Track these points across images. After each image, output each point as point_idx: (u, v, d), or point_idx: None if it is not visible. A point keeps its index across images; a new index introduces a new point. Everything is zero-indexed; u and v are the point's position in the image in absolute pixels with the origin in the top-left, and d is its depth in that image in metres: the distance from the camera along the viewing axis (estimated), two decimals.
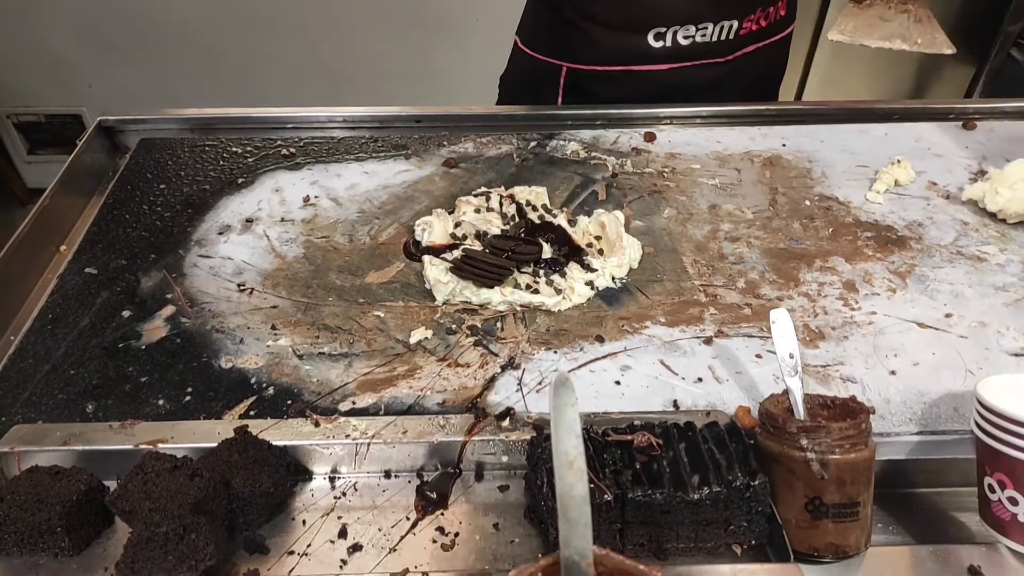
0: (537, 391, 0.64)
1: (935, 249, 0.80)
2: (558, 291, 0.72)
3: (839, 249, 0.80)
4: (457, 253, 0.76)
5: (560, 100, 1.07)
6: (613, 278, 0.76)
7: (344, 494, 0.58)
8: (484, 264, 0.72)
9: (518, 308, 0.72)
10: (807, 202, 0.88)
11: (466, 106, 1.02)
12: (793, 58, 1.11)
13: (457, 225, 0.80)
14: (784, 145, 0.98)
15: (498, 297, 0.72)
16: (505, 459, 0.59)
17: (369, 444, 0.58)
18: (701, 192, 0.89)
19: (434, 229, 0.79)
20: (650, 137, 0.99)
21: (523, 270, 0.75)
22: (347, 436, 0.59)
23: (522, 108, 1.03)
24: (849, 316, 0.72)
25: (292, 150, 0.96)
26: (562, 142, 0.97)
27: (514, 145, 0.96)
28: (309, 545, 0.54)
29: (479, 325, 0.71)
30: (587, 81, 1.03)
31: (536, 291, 0.72)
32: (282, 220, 0.84)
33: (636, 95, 1.02)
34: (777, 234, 0.83)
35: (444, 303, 0.73)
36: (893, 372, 0.66)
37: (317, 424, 0.60)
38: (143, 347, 0.68)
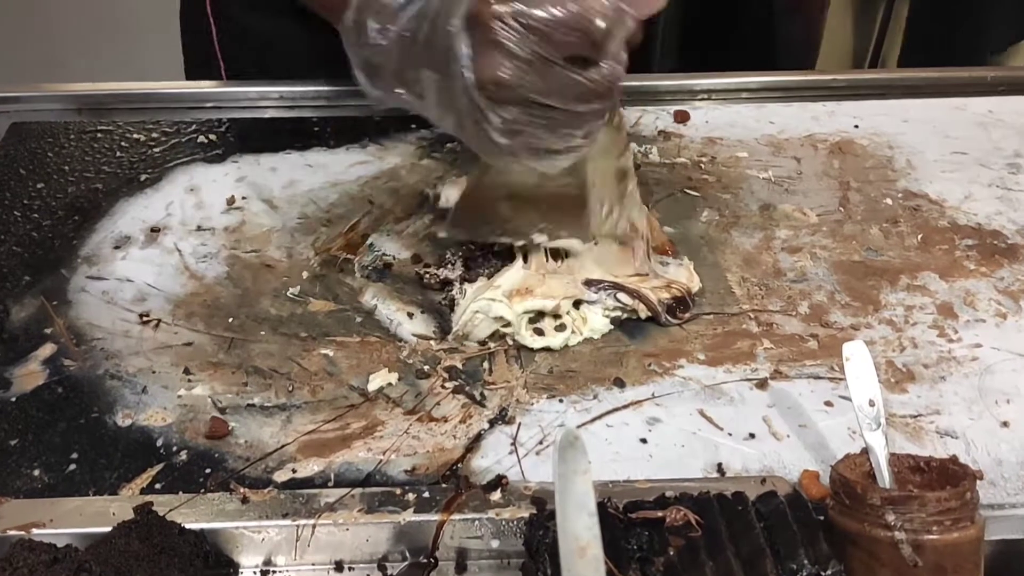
0: (537, 453, 0.64)
1: None
2: (560, 328, 0.72)
3: (931, 262, 0.81)
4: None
5: (217, 45, 1.00)
6: None
7: None
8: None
9: (510, 343, 0.72)
10: (888, 201, 0.88)
11: None
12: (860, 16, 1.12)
13: None
14: (857, 127, 0.99)
15: (483, 330, 0.72)
16: (496, 544, 0.59)
17: (315, 526, 0.58)
18: (750, 188, 0.90)
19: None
20: (682, 116, 1.00)
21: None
22: (285, 516, 0.58)
23: None
24: (946, 350, 0.72)
25: (212, 137, 0.96)
26: None
27: None
28: None
29: (459, 366, 0.71)
30: (240, 13, 0.97)
31: (539, 331, 0.72)
32: (199, 229, 0.84)
33: (311, 28, 0.86)
34: (850, 243, 0.83)
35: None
36: (1005, 424, 0.66)
37: (245, 500, 0.59)
38: (13, 399, 0.68)
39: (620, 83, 0.58)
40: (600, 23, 0.55)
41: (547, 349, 0.72)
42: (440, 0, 0.59)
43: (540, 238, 0.73)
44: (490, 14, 0.55)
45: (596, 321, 0.73)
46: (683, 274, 0.77)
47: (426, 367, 0.70)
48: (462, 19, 0.57)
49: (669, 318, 0.74)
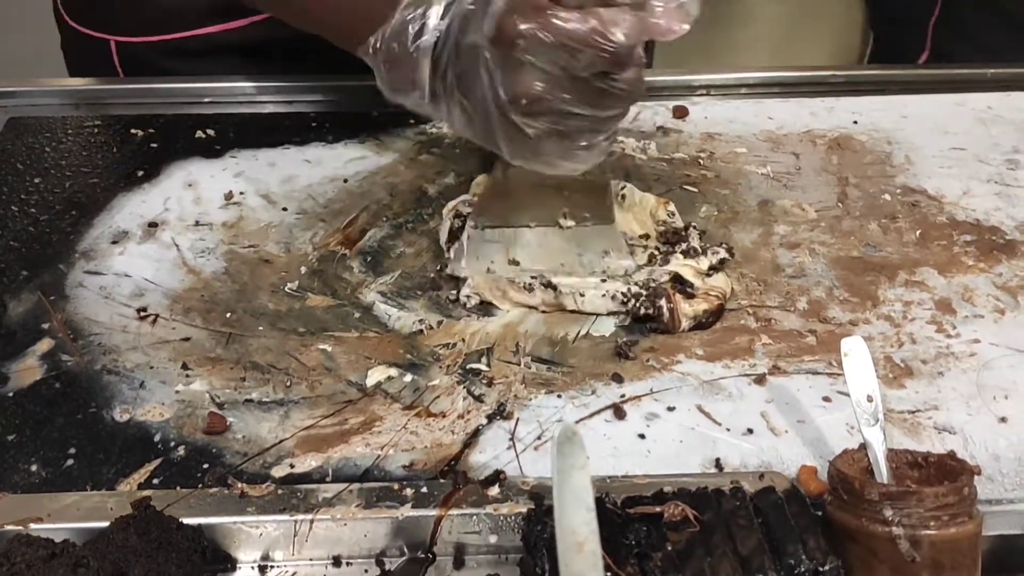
0: (535, 448, 0.64)
1: None
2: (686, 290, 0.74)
3: (930, 258, 0.81)
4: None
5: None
6: None
7: None
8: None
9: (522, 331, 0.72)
10: (887, 196, 0.88)
11: None
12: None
13: None
14: (856, 122, 0.99)
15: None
16: (494, 540, 0.59)
17: (312, 521, 0.58)
18: (748, 184, 0.90)
19: None
20: (681, 112, 0.99)
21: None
22: (283, 511, 0.58)
23: None
24: (944, 346, 0.72)
25: (210, 132, 0.96)
26: None
27: None
28: None
29: (458, 360, 0.71)
30: (150, 57, 1.02)
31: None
32: (196, 224, 0.84)
33: (226, 71, 1.01)
34: (848, 238, 0.83)
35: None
36: (1003, 419, 0.66)
37: (243, 495, 0.59)
38: (10, 394, 0.68)
39: (643, 83, 0.61)
40: (621, 38, 0.57)
41: (548, 343, 0.72)
42: (462, 17, 0.62)
43: (567, 222, 0.75)
44: (515, 32, 0.57)
45: (603, 326, 0.73)
46: (721, 280, 0.76)
47: (425, 361, 0.70)
48: (487, 36, 0.59)
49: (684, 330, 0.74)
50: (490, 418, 0.66)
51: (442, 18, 0.64)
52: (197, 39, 1.01)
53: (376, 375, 0.69)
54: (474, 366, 0.70)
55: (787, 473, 0.61)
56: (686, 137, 0.96)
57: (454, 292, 0.76)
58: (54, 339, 0.72)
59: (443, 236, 0.80)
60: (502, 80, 0.60)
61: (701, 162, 0.93)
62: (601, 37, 0.56)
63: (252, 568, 0.58)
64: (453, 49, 0.63)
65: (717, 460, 0.63)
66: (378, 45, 0.66)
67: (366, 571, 0.58)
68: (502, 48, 0.59)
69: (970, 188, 0.89)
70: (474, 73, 0.62)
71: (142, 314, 0.75)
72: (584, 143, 0.63)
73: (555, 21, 0.57)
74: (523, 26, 0.57)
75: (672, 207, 0.82)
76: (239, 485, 0.60)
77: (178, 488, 0.60)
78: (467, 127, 0.67)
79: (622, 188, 0.83)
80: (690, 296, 0.74)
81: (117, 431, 0.65)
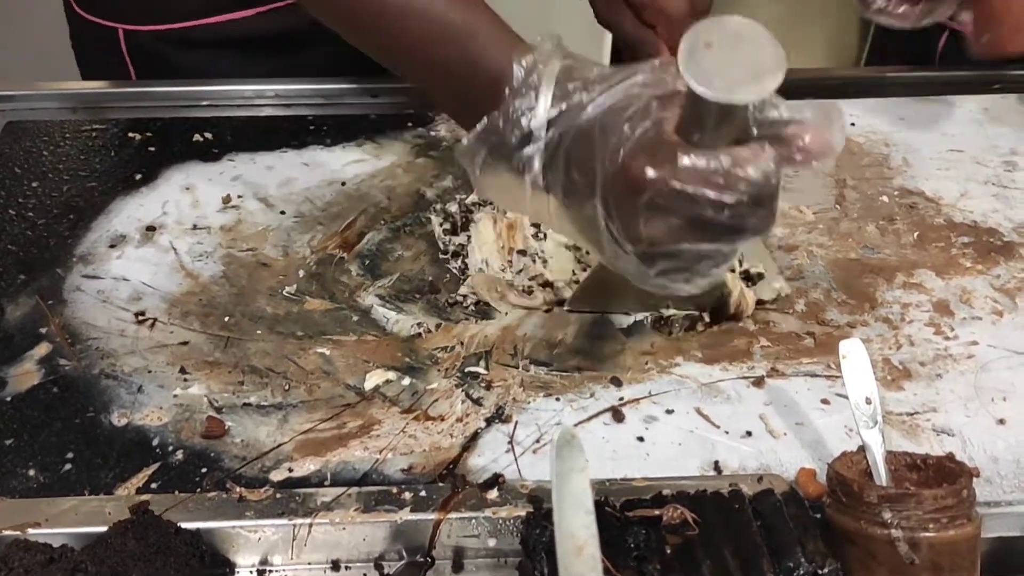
0: (534, 451, 0.64)
1: None
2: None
3: (928, 260, 0.81)
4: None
5: (134, 77, 1.05)
6: None
7: None
8: None
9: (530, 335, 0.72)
10: (884, 198, 0.89)
11: None
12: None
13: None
14: (853, 124, 0.99)
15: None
16: (492, 543, 0.59)
17: (311, 526, 0.58)
18: None
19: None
20: None
21: None
22: (282, 515, 0.58)
23: None
24: (943, 348, 0.72)
25: (208, 135, 0.96)
26: None
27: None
28: None
29: (457, 363, 0.71)
30: (157, 46, 1.02)
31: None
32: (194, 228, 0.84)
33: (233, 61, 1.02)
34: (846, 240, 0.83)
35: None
36: (1002, 421, 0.66)
37: (242, 499, 0.59)
38: (8, 399, 0.68)
39: (775, 217, 0.54)
40: (759, 177, 0.51)
41: (546, 346, 0.72)
42: (576, 132, 0.55)
43: (669, 312, 0.74)
44: (643, 180, 0.51)
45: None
46: (738, 287, 0.76)
47: (423, 364, 0.70)
48: (609, 174, 0.53)
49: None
50: (489, 421, 0.66)
51: (549, 126, 0.55)
52: (205, 28, 1.01)
53: (374, 378, 0.69)
54: (472, 369, 0.70)
55: (786, 475, 0.62)
56: None
57: (452, 295, 0.76)
58: (52, 343, 0.72)
59: (438, 231, 0.82)
60: (620, 224, 0.54)
61: None
62: (738, 180, 0.50)
63: (251, 572, 0.58)
64: (563, 161, 0.56)
65: (716, 463, 0.63)
66: (478, 140, 0.59)
67: (365, 575, 0.58)
68: (625, 190, 0.52)
69: (968, 190, 0.90)
70: (585, 196, 0.55)
71: (140, 318, 0.75)
72: (701, 275, 0.56)
73: (688, 168, 0.50)
74: (653, 174, 0.50)
75: None
76: (237, 489, 0.60)
77: (176, 492, 0.60)
78: (569, 233, 0.61)
79: None
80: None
81: (115, 435, 0.65)
